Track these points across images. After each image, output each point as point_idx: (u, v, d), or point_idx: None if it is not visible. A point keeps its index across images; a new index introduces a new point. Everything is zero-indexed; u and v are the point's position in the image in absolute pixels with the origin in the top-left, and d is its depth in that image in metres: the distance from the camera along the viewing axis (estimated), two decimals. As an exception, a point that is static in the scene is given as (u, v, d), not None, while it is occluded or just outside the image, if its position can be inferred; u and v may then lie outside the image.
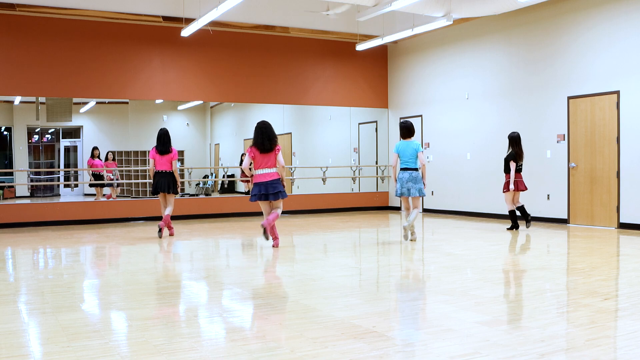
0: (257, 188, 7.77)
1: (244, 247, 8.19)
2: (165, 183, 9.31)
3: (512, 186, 9.63)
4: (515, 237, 9.17)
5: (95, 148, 13.70)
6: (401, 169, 8.36)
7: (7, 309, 4.71)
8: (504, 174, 9.86)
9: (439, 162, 13.58)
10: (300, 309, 4.60)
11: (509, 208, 9.91)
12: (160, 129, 9.50)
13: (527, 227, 9.92)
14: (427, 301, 4.99)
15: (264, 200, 7.82)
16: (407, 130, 8.46)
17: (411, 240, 8.62)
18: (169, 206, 9.48)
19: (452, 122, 13.16)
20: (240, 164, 15.12)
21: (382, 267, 6.86)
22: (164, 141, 9.35)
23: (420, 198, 8.27)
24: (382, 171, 15.07)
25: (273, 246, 8.01)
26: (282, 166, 7.82)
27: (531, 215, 10.14)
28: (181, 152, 14.92)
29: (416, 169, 8.33)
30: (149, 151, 9.57)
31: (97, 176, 13.71)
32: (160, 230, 9.36)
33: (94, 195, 13.98)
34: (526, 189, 9.83)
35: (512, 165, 9.63)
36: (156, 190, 9.41)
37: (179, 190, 9.55)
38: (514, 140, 9.74)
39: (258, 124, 7.91)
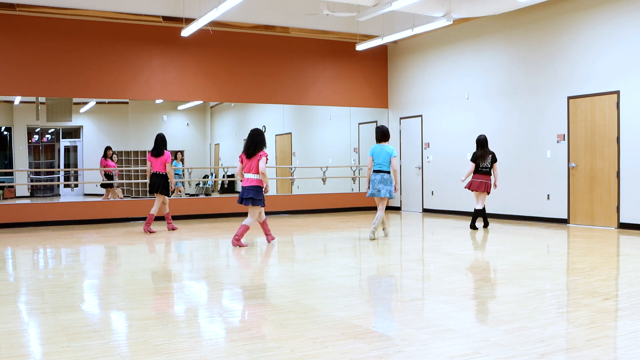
0: (240, 192, 8.25)
1: (244, 247, 8.19)
2: (157, 184, 10.10)
3: (465, 180, 10.10)
4: (515, 237, 9.18)
5: (108, 148, 13.59)
6: (374, 171, 8.69)
7: (7, 309, 4.71)
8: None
9: (439, 162, 13.58)
10: (300, 309, 4.60)
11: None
12: (157, 134, 10.28)
13: (485, 228, 10.23)
14: (427, 301, 4.99)
15: (242, 204, 8.19)
16: (382, 134, 8.80)
17: (384, 235, 9.11)
18: (155, 206, 10.21)
19: (452, 122, 13.16)
20: None
21: (382, 267, 6.86)
22: (157, 145, 10.14)
23: (387, 200, 8.83)
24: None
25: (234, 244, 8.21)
26: (261, 172, 8.03)
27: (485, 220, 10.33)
28: (181, 152, 14.93)
29: (388, 172, 8.67)
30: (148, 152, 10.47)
31: (109, 176, 13.60)
32: (149, 226, 10.20)
33: (100, 195, 13.90)
34: (489, 192, 10.08)
35: (471, 165, 10.01)
36: (151, 190, 10.23)
37: (170, 192, 10.30)
38: (479, 143, 10.10)
39: (251, 130, 8.30)
